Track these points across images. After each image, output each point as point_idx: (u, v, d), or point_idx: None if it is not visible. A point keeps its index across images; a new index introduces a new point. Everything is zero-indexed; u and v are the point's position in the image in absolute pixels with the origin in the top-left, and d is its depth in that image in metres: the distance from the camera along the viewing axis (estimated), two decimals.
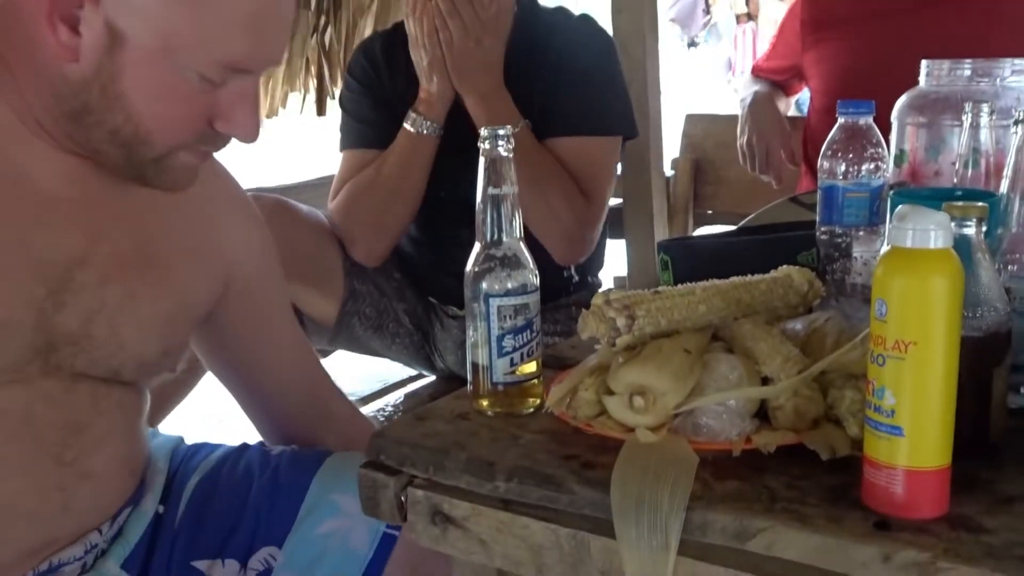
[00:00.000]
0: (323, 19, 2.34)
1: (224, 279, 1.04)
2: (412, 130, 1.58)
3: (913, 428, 0.66)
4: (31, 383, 0.89)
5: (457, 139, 1.56)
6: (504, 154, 0.87)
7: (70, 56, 0.82)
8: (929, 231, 0.65)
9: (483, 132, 0.87)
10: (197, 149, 0.90)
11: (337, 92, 2.27)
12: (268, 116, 2.37)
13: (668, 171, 2.35)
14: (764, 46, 2.48)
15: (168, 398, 1.59)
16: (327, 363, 1.78)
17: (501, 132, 0.87)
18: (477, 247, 0.89)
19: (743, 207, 2.03)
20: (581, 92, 1.57)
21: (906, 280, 0.65)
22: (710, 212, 2.43)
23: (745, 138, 2.08)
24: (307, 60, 2.35)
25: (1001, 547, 0.64)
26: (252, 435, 1.21)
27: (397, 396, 1.86)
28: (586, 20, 1.67)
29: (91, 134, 0.86)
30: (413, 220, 1.68)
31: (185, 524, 1.05)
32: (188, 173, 0.91)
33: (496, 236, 0.88)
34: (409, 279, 1.77)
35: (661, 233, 2.18)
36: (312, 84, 2.40)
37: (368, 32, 2.38)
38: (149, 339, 0.96)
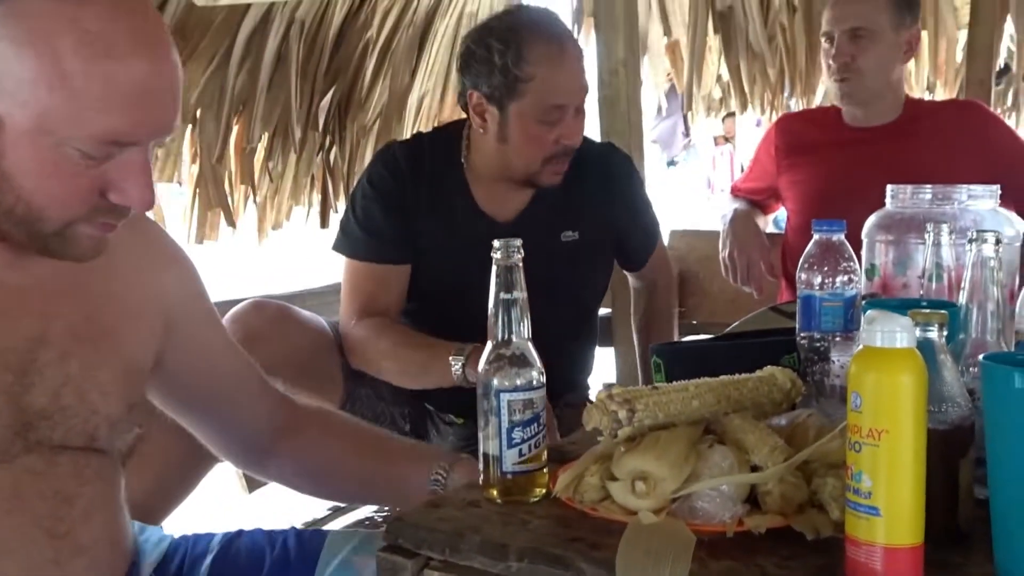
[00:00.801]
0: (328, 139, 2.48)
1: (164, 326, 1.08)
2: (454, 367, 1.58)
3: (888, 507, 0.74)
4: (14, 461, 0.93)
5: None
6: (517, 263, 0.96)
7: None
8: (895, 332, 0.74)
9: (496, 244, 0.96)
10: (96, 221, 0.90)
11: (340, 206, 2.39)
12: (274, 228, 2.48)
13: None
14: (742, 165, 2.63)
15: (172, 497, 1.62)
16: None
17: (515, 243, 0.96)
18: (488, 346, 0.97)
19: (726, 317, 2.13)
20: (649, 216, 1.98)
21: (876, 375, 0.74)
22: (695, 322, 2.53)
23: (727, 251, 2.19)
24: (312, 176, 2.48)
25: None
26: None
27: None
28: (616, 149, 1.94)
29: None
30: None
31: None
32: (93, 243, 0.92)
33: (507, 336, 0.96)
34: None
35: None
36: (316, 198, 2.51)
37: (370, 151, 2.51)
38: (114, 399, 0.99)
